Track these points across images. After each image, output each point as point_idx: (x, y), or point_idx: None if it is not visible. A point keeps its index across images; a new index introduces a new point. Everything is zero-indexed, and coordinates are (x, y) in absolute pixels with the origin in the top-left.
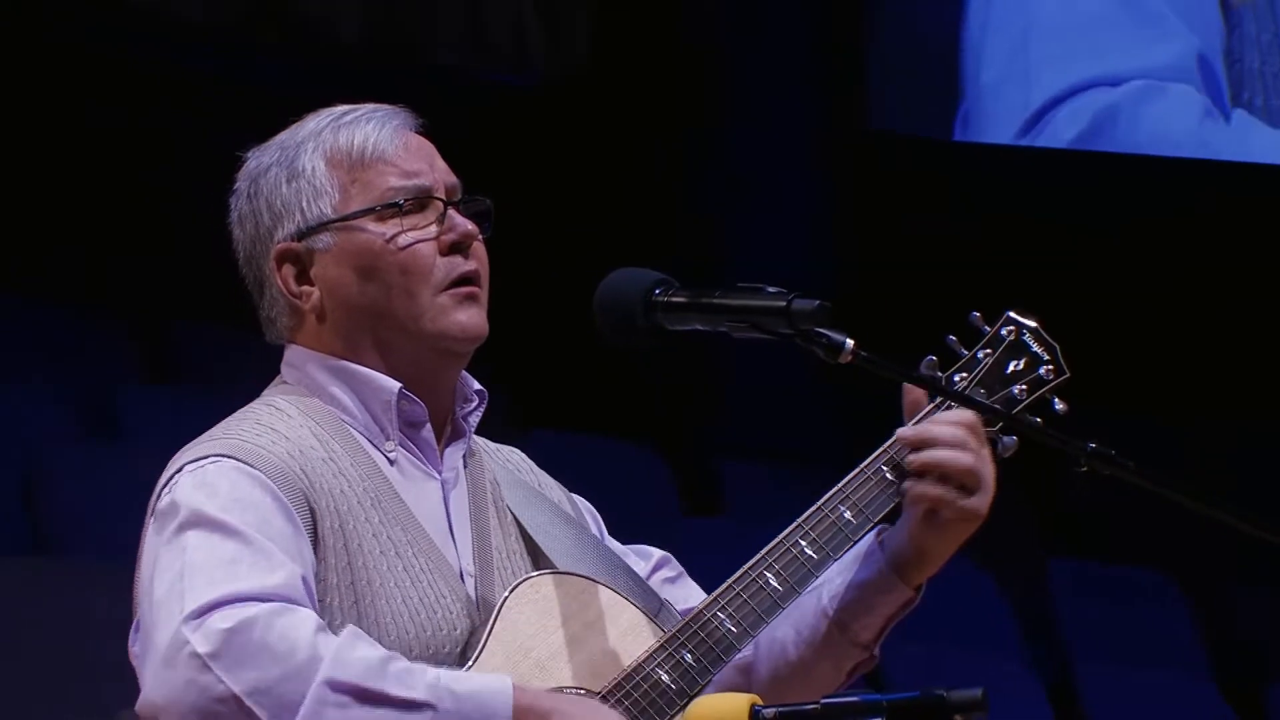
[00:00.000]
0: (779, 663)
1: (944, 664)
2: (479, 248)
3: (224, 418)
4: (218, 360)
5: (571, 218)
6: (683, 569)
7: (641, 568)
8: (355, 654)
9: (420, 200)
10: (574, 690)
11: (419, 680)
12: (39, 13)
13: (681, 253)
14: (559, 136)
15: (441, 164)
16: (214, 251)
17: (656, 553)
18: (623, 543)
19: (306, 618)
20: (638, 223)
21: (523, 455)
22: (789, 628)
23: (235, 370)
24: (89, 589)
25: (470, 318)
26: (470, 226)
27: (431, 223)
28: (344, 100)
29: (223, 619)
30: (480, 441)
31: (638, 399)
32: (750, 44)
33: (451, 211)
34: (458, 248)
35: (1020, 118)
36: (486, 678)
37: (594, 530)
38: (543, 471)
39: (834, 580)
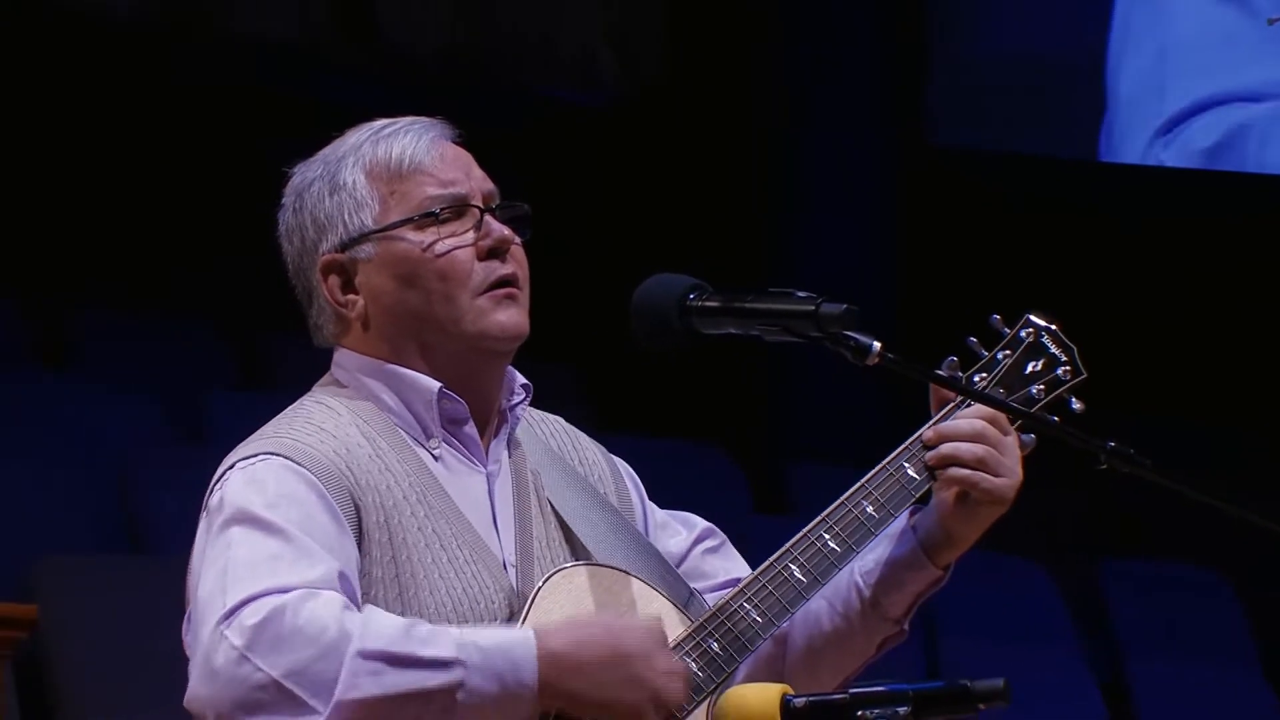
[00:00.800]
0: (813, 633)
1: (1002, 659)
2: (518, 251)
3: None
4: (305, 367)
5: (646, 229)
6: (726, 538)
7: (684, 537)
8: (380, 623)
9: (457, 208)
10: (592, 616)
11: (445, 639)
12: (163, 52)
13: (751, 262)
14: (632, 151)
15: (478, 172)
16: None
17: (700, 524)
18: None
19: (331, 599)
20: (711, 235)
21: (565, 425)
22: (823, 600)
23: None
24: (180, 585)
25: (510, 317)
26: (506, 232)
27: (469, 229)
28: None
29: (253, 613)
30: (526, 415)
31: (711, 404)
32: (821, 61)
33: (488, 218)
34: (495, 252)
35: (1153, 128)
36: (509, 630)
37: (635, 499)
38: (584, 439)
39: (867, 557)
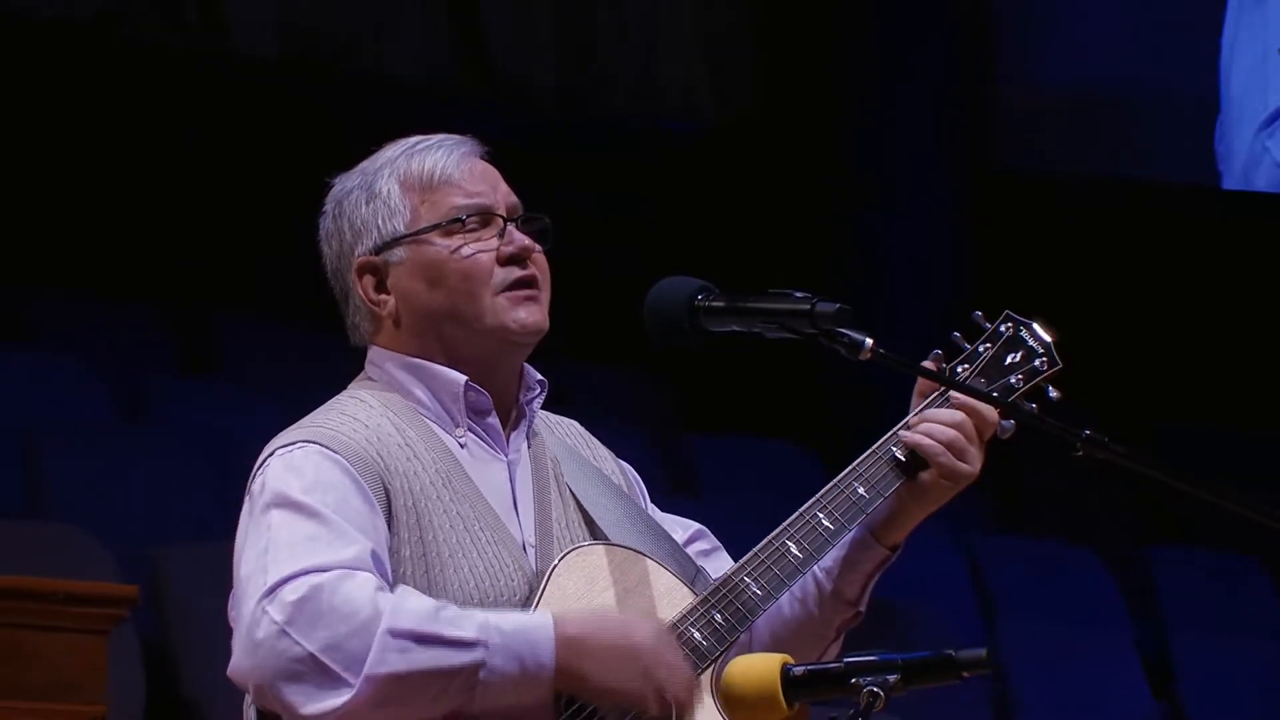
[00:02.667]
0: (775, 622)
1: (1056, 639)
2: (539, 258)
3: None
4: None
5: (738, 245)
6: (718, 542)
7: (678, 535)
8: (409, 605)
9: (483, 217)
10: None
11: (469, 622)
12: (282, 76)
13: (832, 276)
14: (727, 175)
15: (504, 187)
16: None
17: (693, 525)
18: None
19: (365, 580)
20: (795, 251)
21: (580, 428)
22: None
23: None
24: None
25: (530, 314)
26: (527, 241)
27: (492, 236)
28: (543, 149)
29: (293, 590)
30: (542, 415)
31: (791, 402)
32: (896, 90)
33: (511, 227)
34: (515, 259)
35: (1259, 120)
36: (529, 615)
37: (640, 498)
38: (597, 442)
39: None
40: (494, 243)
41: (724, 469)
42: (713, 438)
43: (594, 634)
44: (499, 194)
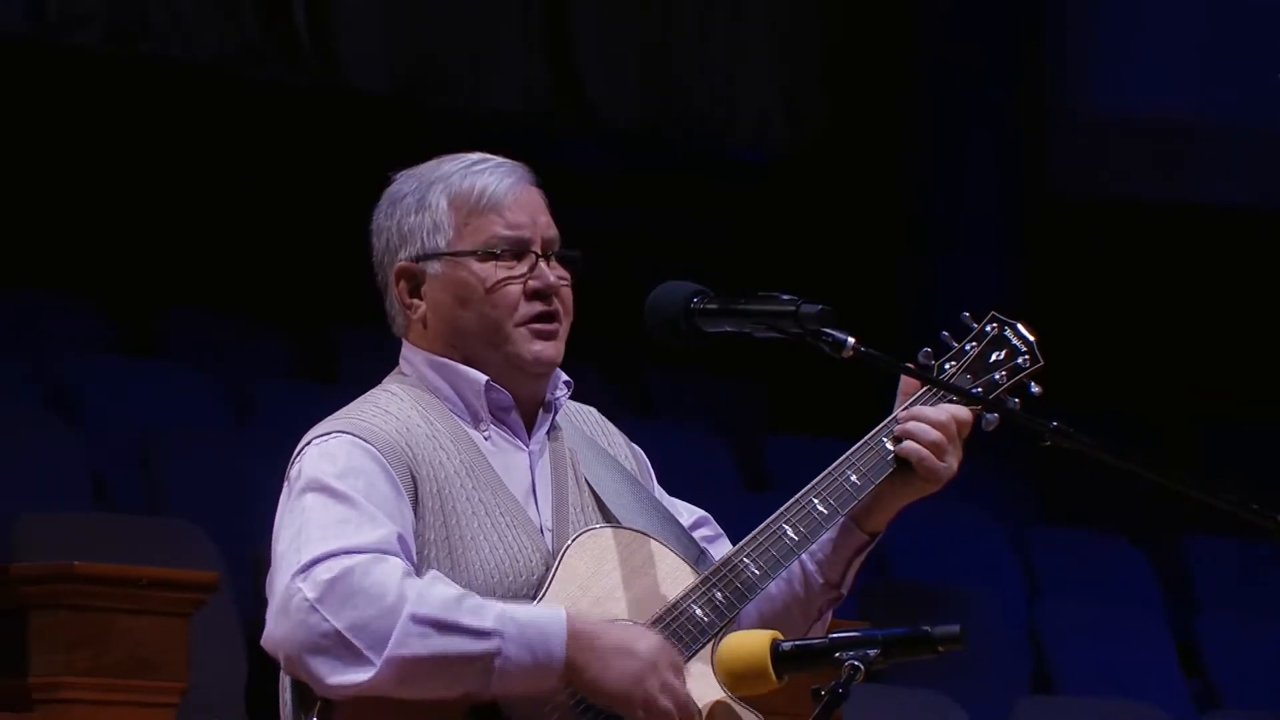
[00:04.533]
0: (763, 604)
1: (1099, 620)
2: (564, 294)
3: None
4: None
5: (804, 265)
6: (720, 530)
7: (684, 519)
8: (434, 592)
9: (517, 251)
10: (624, 622)
11: (488, 612)
12: (391, 108)
13: (895, 301)
14: (800, 201)
15: (544, 219)
16: None
17: (699, 511)
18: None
19: (396, 565)
20: (859, 272)
21: (597, 415)
22: None
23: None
24: None
25: (545, 349)
26: (552, 279)
27: (523, 269)
28: (629, 175)
29: (327, 570)
30: (565, 406)
31: (876, 406)
32: (956, 117)
33: (541, 263)
34: (539, 294)
35: None
36: (544, 608)
37: (649, 479)
38: (612, 427)
39: None
40: (523, 274)
41: (801, 469)
42: (791, 439)
43: (602, 634)
44: (538, 227)
